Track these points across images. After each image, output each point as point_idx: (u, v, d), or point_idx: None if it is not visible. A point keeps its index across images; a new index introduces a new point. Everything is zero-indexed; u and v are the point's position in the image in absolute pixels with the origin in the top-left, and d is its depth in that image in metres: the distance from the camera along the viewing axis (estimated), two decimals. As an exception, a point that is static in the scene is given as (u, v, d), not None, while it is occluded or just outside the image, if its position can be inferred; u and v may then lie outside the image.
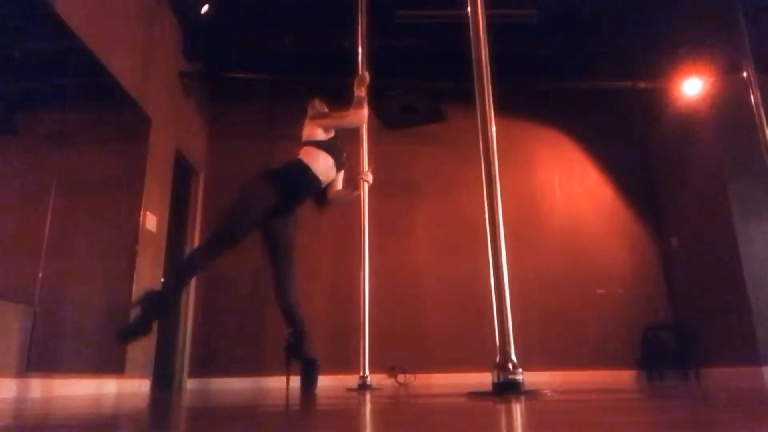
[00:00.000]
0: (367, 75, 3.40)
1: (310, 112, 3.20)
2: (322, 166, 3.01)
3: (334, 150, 3.10)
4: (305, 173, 2.96)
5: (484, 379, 1.90)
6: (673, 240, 5.36)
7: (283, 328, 2.93)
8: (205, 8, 4.86)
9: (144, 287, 3.07)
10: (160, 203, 4.54)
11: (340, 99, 3.49)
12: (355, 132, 3.88)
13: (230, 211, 2.78)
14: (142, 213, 4.18)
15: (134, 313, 2.63)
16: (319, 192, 3.12)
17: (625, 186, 5.70)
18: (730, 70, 4.72)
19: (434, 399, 1.96)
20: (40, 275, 3.00)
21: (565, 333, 5.17)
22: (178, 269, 2.88)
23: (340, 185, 3.35)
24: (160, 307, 2.63)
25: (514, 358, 1.86)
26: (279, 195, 2.86)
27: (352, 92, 3.41)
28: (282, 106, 5.73)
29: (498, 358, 1.87)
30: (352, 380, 3.63)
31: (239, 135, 5.76)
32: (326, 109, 3.23)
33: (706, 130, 4.95)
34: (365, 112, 3.23)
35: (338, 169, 3.18)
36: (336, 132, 3.18)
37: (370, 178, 3.65)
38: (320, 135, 3.07)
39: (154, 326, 2.70)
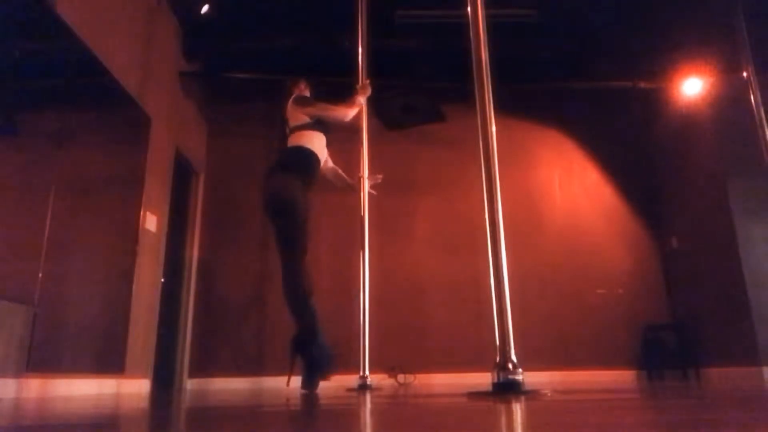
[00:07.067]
0: (369, 85, 3.60)
1: (295, 93, 3.38)
2: (318, 144, 3.20)
3: (322, 126, 3.30)
4: (309, 155, 3.15)
5: (484, 379, 1.90)
6: (673, 240, 5.36)
7: (282, 327, 2.96)
8: (205, 8, 4.86)
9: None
10: (160, 203, 4.54)
11: (340, 99, 3.53)
12: (356, 132, 3.90)
13: (293, 225, 2.93)
14: (142, 213, 4.18)
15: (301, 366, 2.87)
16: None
17: (625, 186, 5.70)
18: (730, 70, 4.72)
19: (434, 399, 1.96)
20: (40, 275, 3.00)
21: (566, 333, 5.17)
22: (295, 311, 2.99)
23: (329, 162, 3.54)
24: (307, 349, 2.90)
25: (514, 358, 1.86)
26: (303, 183, 3.07)
27: (352, 92, 3.50)
28: (282, 106, 5.72)
29: (498, 358, 1.87)
30: (352, 380, 3.63)
31: (239, 135, 5.76)
32: (308, 94, 3.45)
33: (706, 130, 4.95)
34: (351, 113, 3.39)
35: (328, 143, 3.36)
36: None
37: (369, 184, 3.74)
38: (305, 119, 3.23)
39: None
